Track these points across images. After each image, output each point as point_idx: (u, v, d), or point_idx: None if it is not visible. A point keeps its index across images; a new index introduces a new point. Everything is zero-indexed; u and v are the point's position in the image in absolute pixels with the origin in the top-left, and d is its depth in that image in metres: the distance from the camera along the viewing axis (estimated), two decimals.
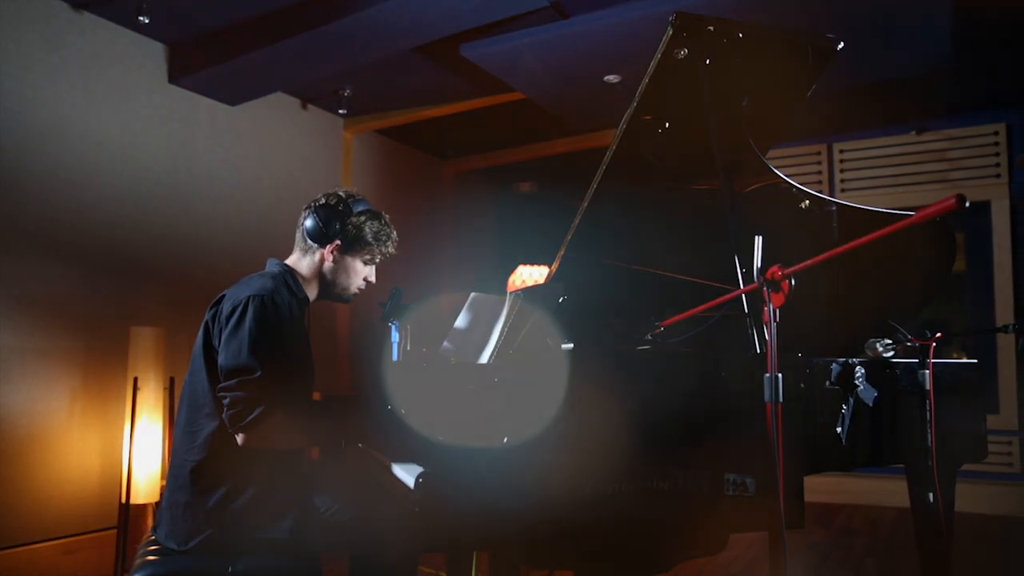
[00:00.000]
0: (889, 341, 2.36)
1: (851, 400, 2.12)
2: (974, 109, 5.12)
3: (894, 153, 5.41)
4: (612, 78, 4.30)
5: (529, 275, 5.29)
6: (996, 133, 5.10)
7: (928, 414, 2.23)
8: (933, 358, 2.22)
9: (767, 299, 1.43)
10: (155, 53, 4.19)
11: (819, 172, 5.61)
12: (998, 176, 5.08)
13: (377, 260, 2.23)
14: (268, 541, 1.87)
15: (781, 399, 1.42)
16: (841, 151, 5.57)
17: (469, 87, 4.78)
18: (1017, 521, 4.72)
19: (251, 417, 1.84)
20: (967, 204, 1.01)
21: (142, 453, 3.51)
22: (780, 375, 1.43)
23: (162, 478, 3.60)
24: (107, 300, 3.88)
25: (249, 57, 3.98)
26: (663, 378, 1.58)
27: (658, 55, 1.85)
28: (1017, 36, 4.02)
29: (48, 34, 3.68)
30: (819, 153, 5.63)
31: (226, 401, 1.88)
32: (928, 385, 2.23)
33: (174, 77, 4.23)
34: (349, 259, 2.18)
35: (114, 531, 3.60)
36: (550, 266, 2.20)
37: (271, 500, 1.90)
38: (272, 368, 1.88)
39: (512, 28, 3.84)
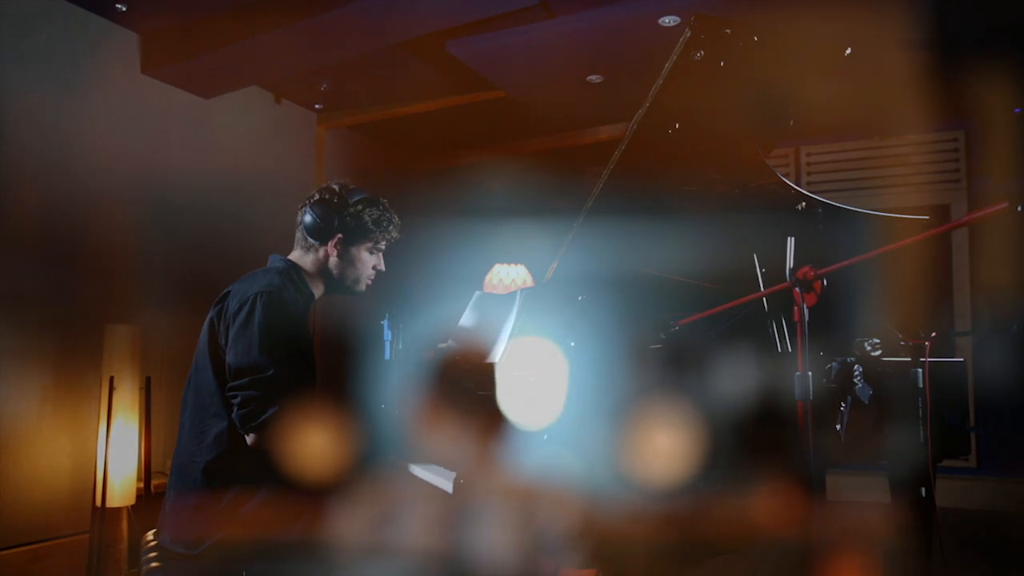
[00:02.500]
0: (877, 340, 2.44)
1: (849, 399, 2.18)
2: (936, 117, 5.29)
3: (859, 157, 5.56)
4: (594, 78, 4.31)
5: (506, 274, 5.28)
6: (956, 139, 5.29)
7: (921, 411, 2.30)
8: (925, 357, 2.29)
9: (799, 299, 1.45)
10: (128, 43, 4.05)
11: (787, 175, 5.72)
12: (958, 181, 5.27)
13: (382, 247, 2.20)
14: (282, 544, 1.83)
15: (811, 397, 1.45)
16: (808, 154, 5.70)
17: (447, 84, 4.75)
18: (973, 514, 4.89)
19: (264, 417, 1.81)
20: (1020, 209, 1.05)
21: (117, 455, 3.40)
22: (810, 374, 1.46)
23: (138, 480, 3.49)
24: (79, 297, 3.73)
25: (228, 49, 3.87)
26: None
27: (675, 56, 1.87)
28: (984, 46, 4.16)
29: (18, 20, 3.53)
30: (787, 156, 5.75)
31: (236, 400, 1.83)
32: (921, 383, 2.30)
33: (148, 68, 4.10)
34: (354, 251, 2.15)
35: (85, 536, 3.47)
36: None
37: (284, 501, 1.86)
38: (284, 366, 1.84)
39: (499, 26, 3.83)
